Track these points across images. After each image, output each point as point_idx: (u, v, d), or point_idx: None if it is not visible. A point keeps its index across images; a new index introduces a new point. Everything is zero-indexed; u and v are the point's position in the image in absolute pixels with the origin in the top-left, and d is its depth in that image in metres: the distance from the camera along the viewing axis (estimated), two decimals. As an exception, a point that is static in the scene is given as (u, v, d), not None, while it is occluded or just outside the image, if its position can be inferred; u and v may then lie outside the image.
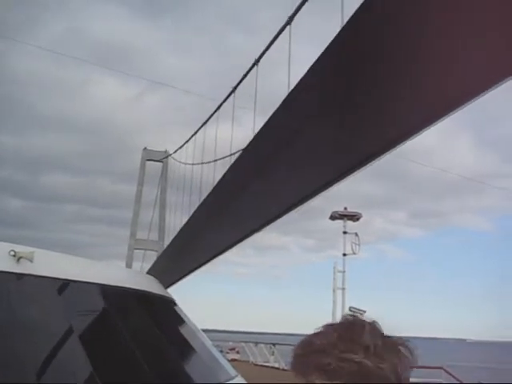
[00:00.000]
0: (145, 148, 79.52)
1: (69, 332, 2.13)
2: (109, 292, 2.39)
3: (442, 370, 13.07)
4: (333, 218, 18.84)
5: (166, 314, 2.93)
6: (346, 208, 18.95)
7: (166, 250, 46.58)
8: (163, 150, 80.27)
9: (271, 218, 19.11)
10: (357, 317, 1.15)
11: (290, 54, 16.83)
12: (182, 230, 35.97)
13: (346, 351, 1.02)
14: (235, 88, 31.80)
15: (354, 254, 17.30)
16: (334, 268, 17.63)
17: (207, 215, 24.75)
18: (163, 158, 79.87)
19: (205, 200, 25.20)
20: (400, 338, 1.11)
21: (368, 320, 1.13)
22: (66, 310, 2.16)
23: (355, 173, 10.84)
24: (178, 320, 3.01)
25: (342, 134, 9.40)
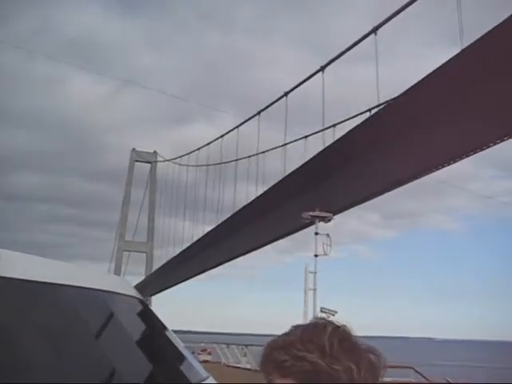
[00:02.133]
0: (133, 149, 78.80)
1: (32, 334, 2.07)
2: (75, 293, 2.34)
3: (412, 370, 13.23)
4: (303, 218, 18.93)
5: (135, 314, 2.88)
6: (317, 209, 19.06)
7: (172, 259, 51.55)
8: (151, 151, 79.23)
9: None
10: (327, 319, 1.17)
11: (323, 111, 26.28)
12: (199, 240, 43.82)
13: (303, 350, 1.07)
14: (259, 112, 38.83)
15: (326, 254, 17.43)
16: (306, 269, 17.74)
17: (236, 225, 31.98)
18: (152, 159, 78.54)
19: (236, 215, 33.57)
20: (371, 346, 1.15)
21: (337, 323, 1.16)
22: (30, 311, 2.10)
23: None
24: (148, 321, 2.97)
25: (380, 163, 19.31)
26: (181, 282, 58.96)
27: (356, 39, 25.13)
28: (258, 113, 33.09)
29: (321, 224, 18.19)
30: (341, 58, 25.21)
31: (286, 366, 1.08)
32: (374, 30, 25.71)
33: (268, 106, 32.43)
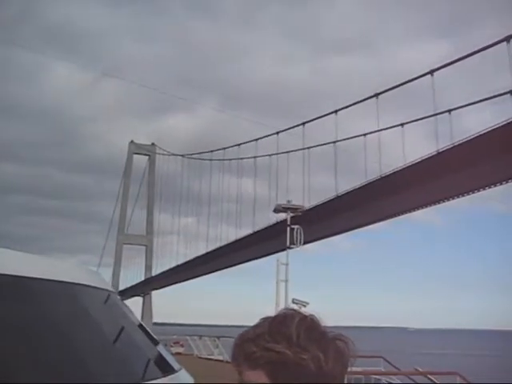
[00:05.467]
0: (132, 141, 77.72)
1: (0, 328, 2.05)
2: (45, 286, 2.31)
3: (382, 359, 13.43)
4: (276, 210, 19.03)
5: (106, 307, 2.86)
6: (289, 201, 19.13)
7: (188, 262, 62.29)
8: (149, 143, 78.52)
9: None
10: (295, 310, 1.19)
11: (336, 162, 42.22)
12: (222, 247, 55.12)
13: (271, 341, 1.10)
14: (278, 133, 46.24)
15: (297, 247, 17.52)
16: (278, 261, 17.81)
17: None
18: (151, 151, 78.52)
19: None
20: (339, 333, 1.17)
21: (305, 313, 1.18)
22: (2, 305, 2.08)
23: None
24: (119, 313, 2.95)
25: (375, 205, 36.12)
26: (178, 283, 66.52)
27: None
28: (277, 133, 45.25)
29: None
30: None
31: (254, 358, 1.11)
32: (431, 72, 30.75)
33: (288, 128, 43.78)
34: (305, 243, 18.27)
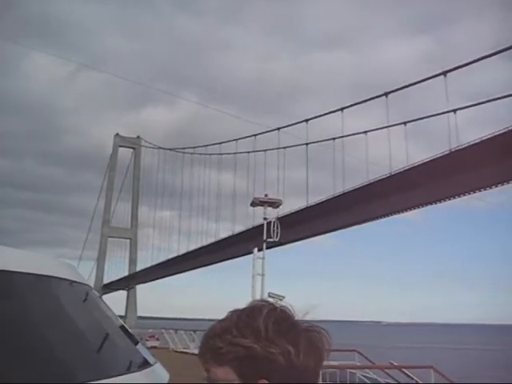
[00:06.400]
0: (117, 134, 76.55)
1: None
2: (17, 279, 2.26)
3: (356, 353, 13.54)
4: (253, 204, 19.03)
5: (81, 301, 2.81)
6: (266, 195, 19.16)
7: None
8: (135, 136, 77.86)
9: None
10: (266, 302, 1.14)
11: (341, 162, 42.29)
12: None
13: (238, 336, 1.05)
14: (279, 129, 46.12)
15: (274, 241, 17.55)
16: (254, 254, 17.83)
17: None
18: (136, 144, 78.41)
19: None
20: (312, 324, 1.12)
21: (277, 305, 1.13)
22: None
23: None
24: (94, 307, 2.90)
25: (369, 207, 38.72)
26: (163, 278, 67.25)
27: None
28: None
29: (270, 210, 18.30)
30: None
31: (221, 354, 1.07)
32: (444, 73, 30.97)
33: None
34: (279, 245, 18.48)
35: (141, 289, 75.51)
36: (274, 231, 17.59)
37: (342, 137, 41.88)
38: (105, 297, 74.67)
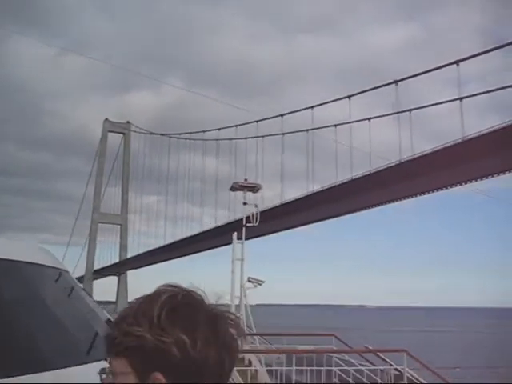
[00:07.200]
0: (106, 119, 75.18)
1: None
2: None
3: (333, 337, 13.67)
4: (233, 189, 19.04)
5: (57, 285, 2.80)
6: (246, 179, 19.17)
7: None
8: (124, 121, 76.50)
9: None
10: (174, 286, 1.02)
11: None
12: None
13: (133, 324, 0.96)
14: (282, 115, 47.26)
15: (254, 225, 17.61)
16: (234, 238, 17.88)
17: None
18: (126, 129, 76.90)
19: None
20: (219, 310, 1.02)
21: (186, 288, 1.02)
22: None
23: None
24: (70, 292, 2.90)
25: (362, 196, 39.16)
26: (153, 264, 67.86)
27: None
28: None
29: (250, 194, 18.34)
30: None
31: (116, 344, 0.97)
32: (457, 62, 30.78)
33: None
34: (255, 237, 18.51)
35: (132, 274, 75.46)
36: (253, 217, 17.66)
37: (347, 123, 41.91)
38: (96, 282, 74.53)
